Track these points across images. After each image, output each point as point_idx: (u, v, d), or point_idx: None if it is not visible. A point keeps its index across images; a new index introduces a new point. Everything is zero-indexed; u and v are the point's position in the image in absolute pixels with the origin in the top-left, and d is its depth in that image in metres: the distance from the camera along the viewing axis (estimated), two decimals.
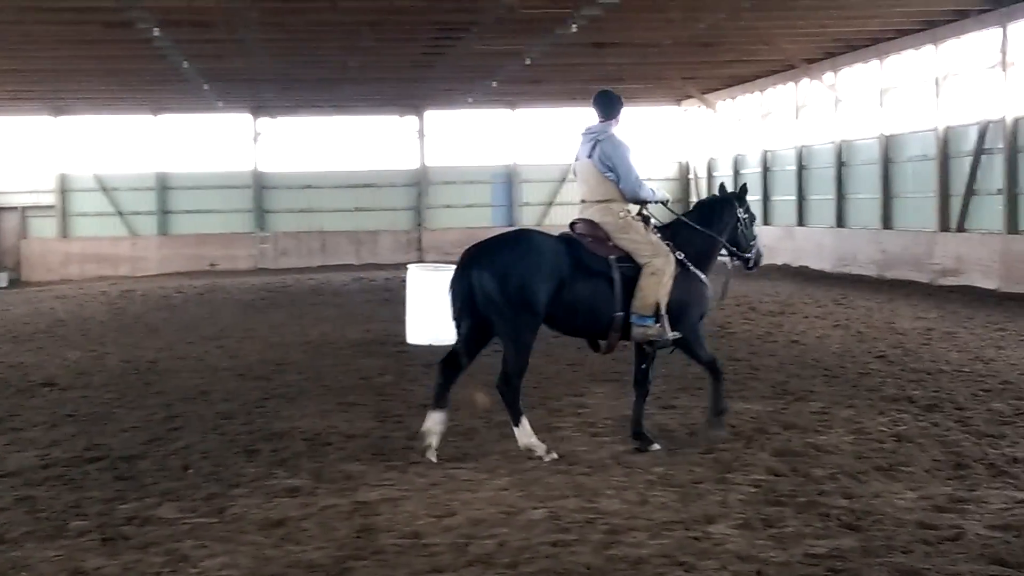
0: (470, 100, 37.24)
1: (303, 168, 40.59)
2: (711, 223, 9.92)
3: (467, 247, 9.36)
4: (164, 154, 40.00)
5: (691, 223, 9.86)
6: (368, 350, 16.16)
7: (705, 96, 37.84)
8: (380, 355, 15.60)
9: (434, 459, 8.96)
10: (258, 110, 39.74)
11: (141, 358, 15.81)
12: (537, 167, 41.13)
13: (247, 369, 14.51)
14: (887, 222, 28.15)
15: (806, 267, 31.07)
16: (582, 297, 9.15)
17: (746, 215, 10.24)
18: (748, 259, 10.23)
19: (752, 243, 10.23)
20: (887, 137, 28.12)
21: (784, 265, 32.29)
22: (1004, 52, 23.01)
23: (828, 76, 30.42)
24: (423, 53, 28.26)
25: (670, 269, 9.35)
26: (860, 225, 29.52)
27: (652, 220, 9.74)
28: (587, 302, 9.18)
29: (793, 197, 33.11)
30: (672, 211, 10.21)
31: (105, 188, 39.55)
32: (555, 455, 8.99)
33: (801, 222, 32.73)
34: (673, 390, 12.23)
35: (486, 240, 9.33)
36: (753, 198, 35.70)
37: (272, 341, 17.47)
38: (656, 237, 9.50)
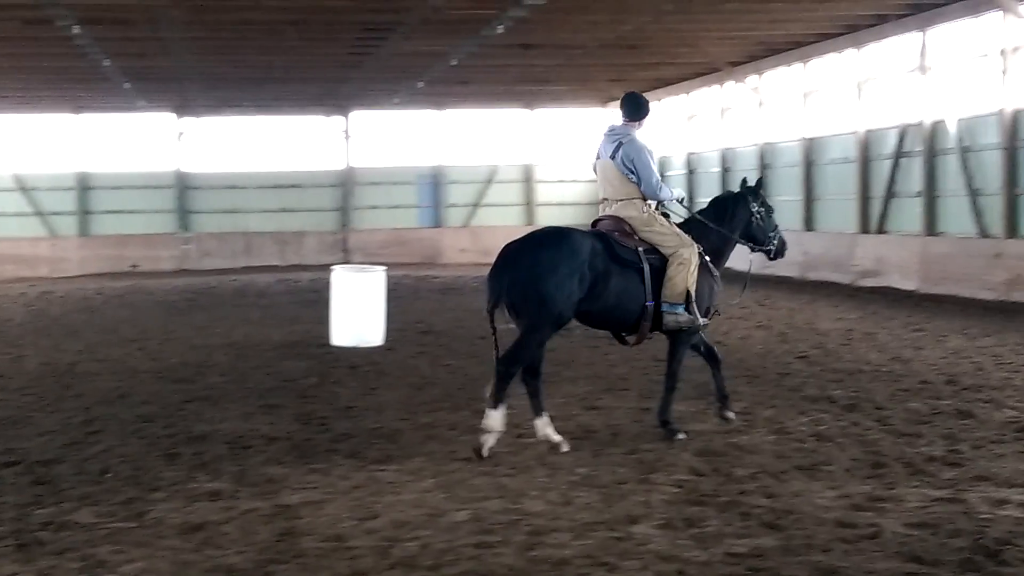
0: (396, 101, 37.11)
1: (227, 168, 40.18)
2: (724, 220, 10.42)
3: (507, 243, 9.56)
4: (85, 153, 39.38)
5: (705, 220, 10.33)
6: (292, 352, 16.05)
7: None
8: (304, 357, 15.49)
9: (563, 445, 9.27)
10: (181, 109, 39.27)
11: (60, 360, 15.56)
12: (464, 168, 41.09)
13: (168, 371, 14.34)
14: (809, 224, 28.49)
15: (730, 268, 31.29)
16: (617, 289, 9.55)
17: (761, 208, 10.72)
18: (769, 251, 10.87)
19: (772, 234, 10.80)
20: (809, 140, 28.45)
21: None
22: (923, 57, 23.39)
23: (752, 79, 30.72)
24: (349, 53, 28.12)
25: (695, 259, 9.85)
26: (783, 227, 29.60)
27: (671, 216, 10.20)
28: (621, 293, 9.58)
29: None
30: (688, 208, 10.68)
31: (24, 188, 38.83)
32: (487, 450, 9.10)
33: None
34: (598, 391, 12.28)
35: (524, 238, 9.56)
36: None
37: (194, 343, 17.28)
38: (679, 229, 10.02)
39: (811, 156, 28.51)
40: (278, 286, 30.29)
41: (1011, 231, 21.02)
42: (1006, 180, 21.12)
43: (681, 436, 9.69)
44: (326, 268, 19.75)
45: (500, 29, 22.60)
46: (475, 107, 40.48)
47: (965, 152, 22.42)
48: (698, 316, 9.84)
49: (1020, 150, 20.97)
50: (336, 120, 40.54)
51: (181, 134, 39.91)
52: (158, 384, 13.29)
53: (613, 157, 9.86)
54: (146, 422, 10.85)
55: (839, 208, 27.22)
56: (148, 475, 8.66)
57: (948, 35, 22.90)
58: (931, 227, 23.69)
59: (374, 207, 40.69)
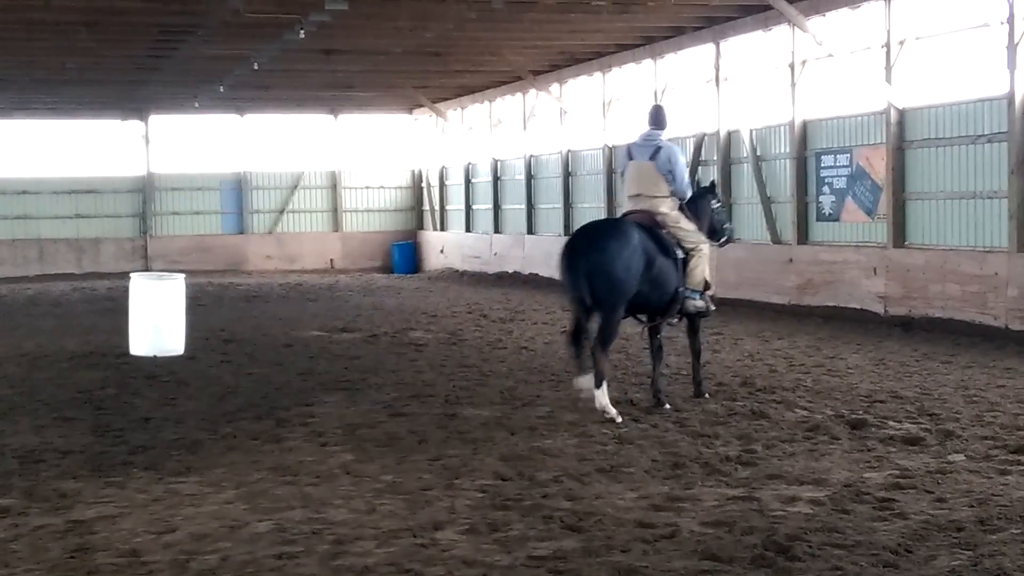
0: (197, 105, 36.35)
1: (19, 174, 38.61)
2: (698, 216, 11.84)
3: (574, 233, 11.28)
4: None
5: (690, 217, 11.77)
6: (88, 362, 15.55)
7: (436, 105, 38.14)
8: (100, 367, 15.03)
9: (617, 417, 10.56)
10: None
11: None
12: (269, 174, 40.52)
13: None
14: None
15: (536, 275, 31.70)
16: (663, 273, 11.18)
17: (718, 204, 12.33)
18: (722, 242, 12.62)
19: (725, 227, 12.48)
20: (611, 147, 28.99)
21: (515, 273, 32.87)
22: (718, 68, 24.09)
23: (555, 88, 31.15)
24: (146, 56, 27.42)
25: (708, 253, 11.66)
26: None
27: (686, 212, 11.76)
28: (664, 277, 11.21)
29: (523, 206, 33.72)
30: (721, 204, 12.32)
31: None
32: (619, 420, 10.50)
33: (531, 230, 33.37)
34: (404, 397, 12.26)
35: (588, 231, 11.19)
36: (484, 207, 36.41)
37: None
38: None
39: (613, 164, 29.04)
40: (74, 295, 29.35)
41: (802, 238, 21.83)
42: (796, 189, 21.93)
43: (707, 396, 11.62)
44: (124, 276, 19.22)
45: (302, 34, 22.34)
46: (279, 112, 39.96)
47: (758, 161, 23.19)
48: (710, 302, 11.73)
49: (809, 160, 21.81)
50: (134, 124, 39.42)
51: None
52: None
53: (653, 159, 11.46)
54: None
55: None
56: None
57: (741, 48, 23.65)
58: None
59: (175, 213, 39.75)
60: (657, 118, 11.81)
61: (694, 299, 11.51)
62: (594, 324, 10.97)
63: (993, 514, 7.27)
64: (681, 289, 11.36)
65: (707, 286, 11.65)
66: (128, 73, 30.41)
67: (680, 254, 11.38)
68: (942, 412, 10.84)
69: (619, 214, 12.51)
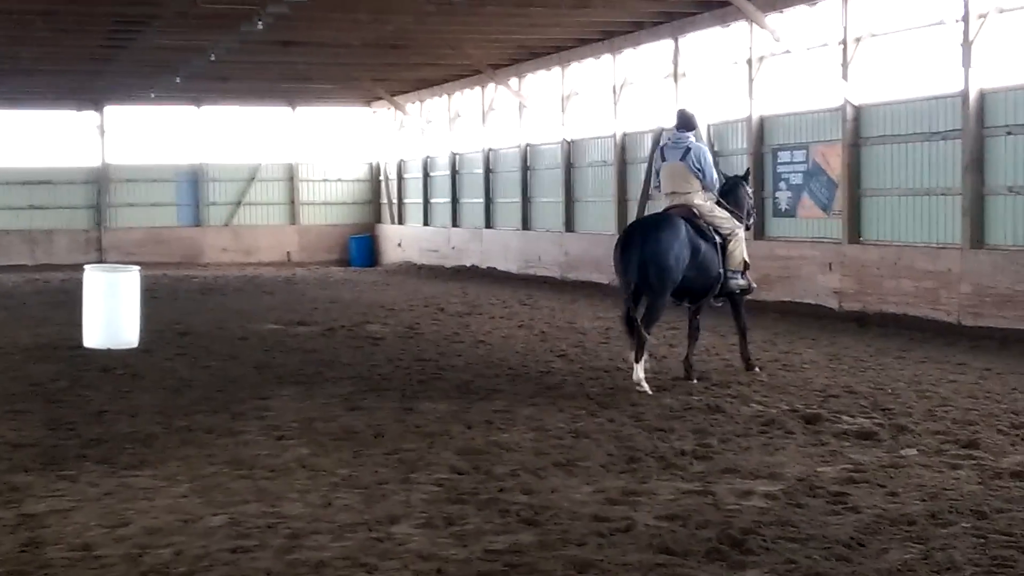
0: (153, 96, 36.06)
1: None
2: (738, 204, 13.35)
3: (629, 226, 13.11)
4: None
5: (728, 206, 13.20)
6: (41, 355, 15.40)
7: (395, 98, 38.04)
8: (53, 360, 14.89)
9: (649, 390, 11.78)
10: None
11: None
12: (226, 166, 40.27)
13: None
14: (570, 225, 29.05)
15: (494, 268, 31.71)
16: (706, 259, 12.59)
17: (751, 189, 14.05)
18: (749, 225, 13.78)
19: (751, 211, 13.85)
20: (569, 142, 29.03)
21: (473, 266, 32.86)
22: (676, 63, 24.16)
23: (513, 82, 31.14)
24: (101, 46, 27.17)
25: (743, 236, 13.10)
26: (545, 228, 30.35)
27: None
28: (707, 263, 12.62)
29: (481, 200, 33.71)
30: (713, 194, 13.19)
31: None
32: (650, 392, 11.72)
33: (489, 224, 33.36)
34: (361, 391, 12.23)
35: (643, 222, 13.23)
36: (442, 200, 36.37)
37: None
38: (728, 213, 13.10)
39: (571, 158, 29.09)
40: (27, 286, 29.06)
41: (758, 233, 21.91)
42: (753, 184, 22.01)
43: (758, 370, 13.03)
44: (78, 268, 19.05)
45: (260, 25, 22.22)
46: (236, 104, 39.71)
47: (716, 156, 23.28)
48: (751, 280, 13.28)
49: (766, 156, 21.92)
50: (89, 115, 39.08)
51: None
52: None
53: (683, 159, 12.81)
54: None
55: (599, 210, 27.87)
56: None
57: (700, 43, 23.73)
58: None
59: (131, 205, 39.43)
60: (685, 121, 13.15)
61: (736, 279, 12.96)
62: (642, 309, 12.35)
63: (944, 508, 7.35)
64: (722, 271, 12.75)
65: (746, 266, 13.10)
66: (84, 63, 30.13)
67: (718, 240, 12.75)
68: (895, 407, 10.94)
69: (648, 210, 15.30)
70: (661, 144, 13.52)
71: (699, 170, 12.86)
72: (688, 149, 12.90)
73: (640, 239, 12.25)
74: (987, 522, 7.05)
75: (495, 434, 9.90)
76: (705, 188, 12.96)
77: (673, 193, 13.03)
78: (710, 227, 12.77)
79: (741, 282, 13.08)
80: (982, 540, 6.69)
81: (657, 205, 16.55)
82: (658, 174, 13.48)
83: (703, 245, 12.58)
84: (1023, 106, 16.48)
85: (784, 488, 7.94)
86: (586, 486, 8.09)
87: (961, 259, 17.11)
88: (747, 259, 13.12)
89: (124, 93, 36.80)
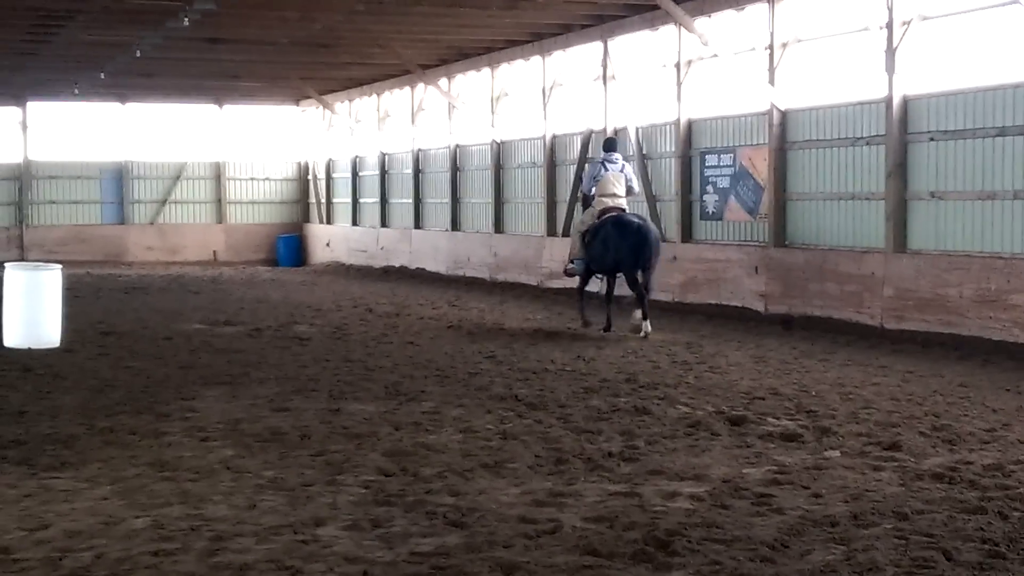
0: (77, 91, 35.53)
1: None
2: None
3: (618, 221, 17.37)
4: None
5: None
6: None
7: (323, 97, 37.83)
8: None
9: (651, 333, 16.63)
10: None
11: None
12: (151, 164, 39.83)
13: None
14: (499, 226, 29.05)
15: (423, 269, 31.63)
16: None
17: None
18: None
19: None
20: (499, 143, 29.03)
21: (401, 267, 32.76)
22: (605, 66, 24.25)
23: (443, 82, 31.08)
24: (23, 40, 26.72)
25: None
26: (474, 229, 30.33)
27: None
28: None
29: (410, 200, 33.61)
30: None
31: None
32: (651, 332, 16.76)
33: (418, 225, 33.27)
34: (287, 392, 12.15)
35: (630, 218, 17.42)
36: (371, 200, 36.22)
37: None
38: None
39: (501, 159, 29.10)
40: None
41: (686, 236, 22.11)
42: (681, 187, 22.20)
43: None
44: None
45: (186, 22, 21.97)
46: (162, 101, 39.28)
47: (644, 159, 23.42)
48: None
49: (693, 159, 22.07)
50: (11, 110, 38.41)
51: None
52: None
53: (622, 171, 17.83)
54: None
55: (527, 211, 27.91)
56: None
57: (629, 46, 23.84)
58: None
59: (53, 202, 38.85)
60: (613, 144, 18.57)
61: None
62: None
63: (867, 509, 7.43)
64: None
65: None
66: (6, 57, 29.61)
67: None
68: (819, 409, 11.06)
69: (577, 212, 21.13)
70: (600, 160, 18.13)
71: (629, 180, 17.89)
72: (624, 166, 18.03)
73: (644, 235, 16.94)
74: (908, 523, 7.15)
75: (423, 436, 9.87)
76: (630, 192, 18.02)
77: (613, 195, 17.56)
78: None
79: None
80: (903, 541, 6.78)
81: (590, 208, 18.19)
82: (594, 180, 17.78)
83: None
84: (945, 112, 16.75)
85: (709, 489, 7.99)
86: (513, 488, 8.09)
87: (884, 263, 17.35)
88: None
89: (47, 88, 36.22)
